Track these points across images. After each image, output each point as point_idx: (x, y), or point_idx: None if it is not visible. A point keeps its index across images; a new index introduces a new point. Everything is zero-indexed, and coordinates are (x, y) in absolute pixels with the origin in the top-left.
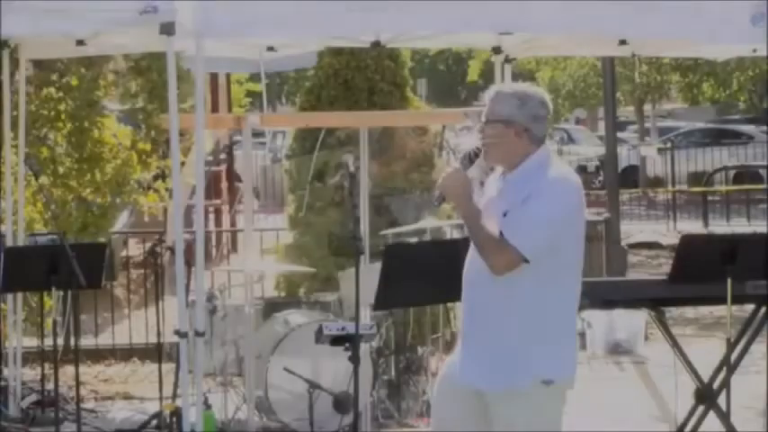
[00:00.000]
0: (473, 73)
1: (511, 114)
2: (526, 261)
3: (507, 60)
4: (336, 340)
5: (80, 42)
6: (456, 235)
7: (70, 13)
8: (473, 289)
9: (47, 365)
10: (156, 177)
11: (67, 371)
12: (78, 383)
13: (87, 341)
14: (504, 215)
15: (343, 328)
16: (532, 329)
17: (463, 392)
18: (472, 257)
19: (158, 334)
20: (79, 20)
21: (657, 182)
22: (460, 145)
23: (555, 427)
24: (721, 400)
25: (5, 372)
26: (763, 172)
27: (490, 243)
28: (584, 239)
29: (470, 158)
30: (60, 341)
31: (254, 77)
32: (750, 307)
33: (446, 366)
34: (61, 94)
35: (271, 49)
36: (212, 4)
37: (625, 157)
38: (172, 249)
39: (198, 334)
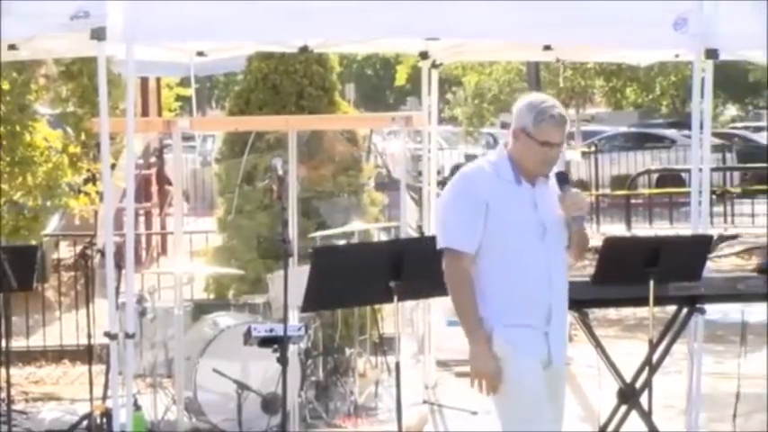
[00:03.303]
0: (400, 78)
1: None
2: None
3: (434, 65)
4: (265, 342)
5: (12, 47)
6: (383, 237)
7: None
8: (556, 276)
9: None
10: (86, 180)
11: None
12: (9, 385)
13: (18, 343)
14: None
15: (271, 330)
16: None
17: (541, 368)
18: (543, 249)
19: (89, 336)
20: (10, 24)
21: (581, 185)
22: (388, 149)
23: None
24: (643, 400)
25: None
26: (685, 175)
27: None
28: None
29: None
30: None
31: (184, 81)
32: (672, 308)
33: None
34: None
35: (201, 53)
36: (142, 9)
37: None
38: (102, 252)
39: (128, 336)
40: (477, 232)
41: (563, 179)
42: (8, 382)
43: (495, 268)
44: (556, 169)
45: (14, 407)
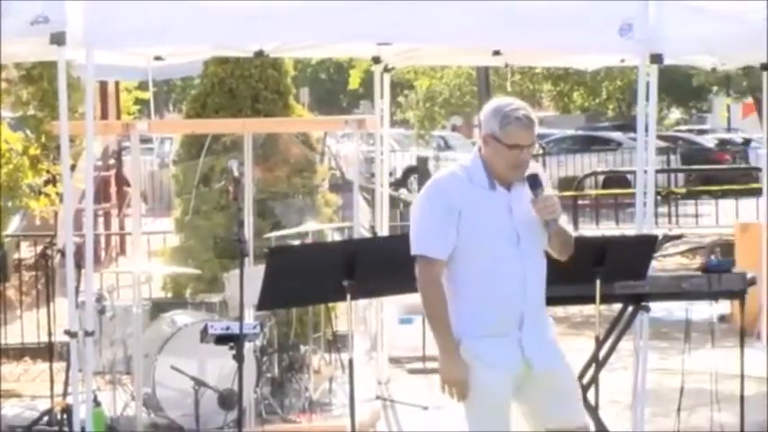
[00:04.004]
0: (354, 82)
1: None
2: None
3: (386, 70)
4: (221, 339)
5: None
6: (337, 237)
7: None
8: (531, 281)
9: None
10: (47, 182)
11: None
12: None
13: None
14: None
15: (227, 328)
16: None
17: (511, 378)
18: (518, 254)
19: (49, 334)
20: None
21: None
22: (341, 151)
23: None
24: (590, 396)
25: None
26: (630, 177)
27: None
28: None
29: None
30: None
31: (143, 85)
32: (618, 306)
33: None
34: None
35: (158, 58)
36: (101, 14)
37: None
38: (62, 252)
39: (87, 334)
40: (448, 239)
41: (534, 182)
42: None
43: (469, 275)
44: (532, 172)
45: None
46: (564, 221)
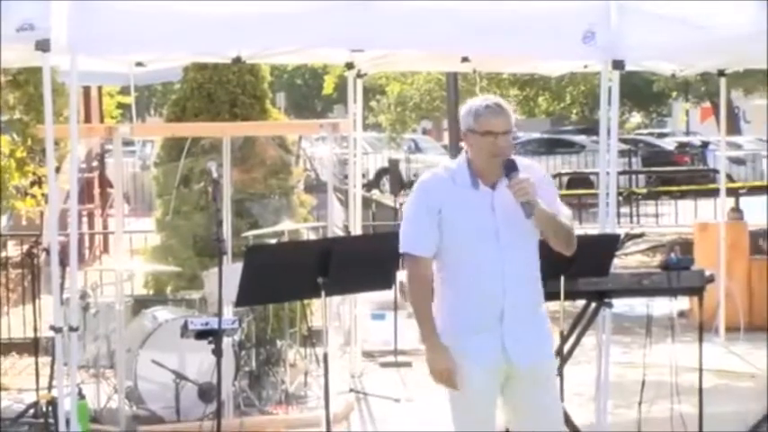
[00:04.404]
0: (328, 87)
1: None
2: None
3: (359, 75)
4: (201, 334)
5: None
6: (312, 236)
7: None
8: (512, 277)
9: None
10: (32, 183)
11: None
12: None
13: None
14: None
15: (206, 324)
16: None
17: (494, 374)
18: (498, 252)
19: (35, 329)
20: None
21: None
22: (316, 153)
23: None
24: None
25: None
26: (593, 178)
27: (572, 231)
28: None
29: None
30: None
31: (125, 90)
32: (581, 302)
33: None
34: None
35: (140, 64)
36: (85, 22)
37: None
38: (47, 250)
39: (72, 329)
40: (431, 237)
41: (510, 167)
42: None
43: (451, 272)
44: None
45: None
46: (568, 218)
